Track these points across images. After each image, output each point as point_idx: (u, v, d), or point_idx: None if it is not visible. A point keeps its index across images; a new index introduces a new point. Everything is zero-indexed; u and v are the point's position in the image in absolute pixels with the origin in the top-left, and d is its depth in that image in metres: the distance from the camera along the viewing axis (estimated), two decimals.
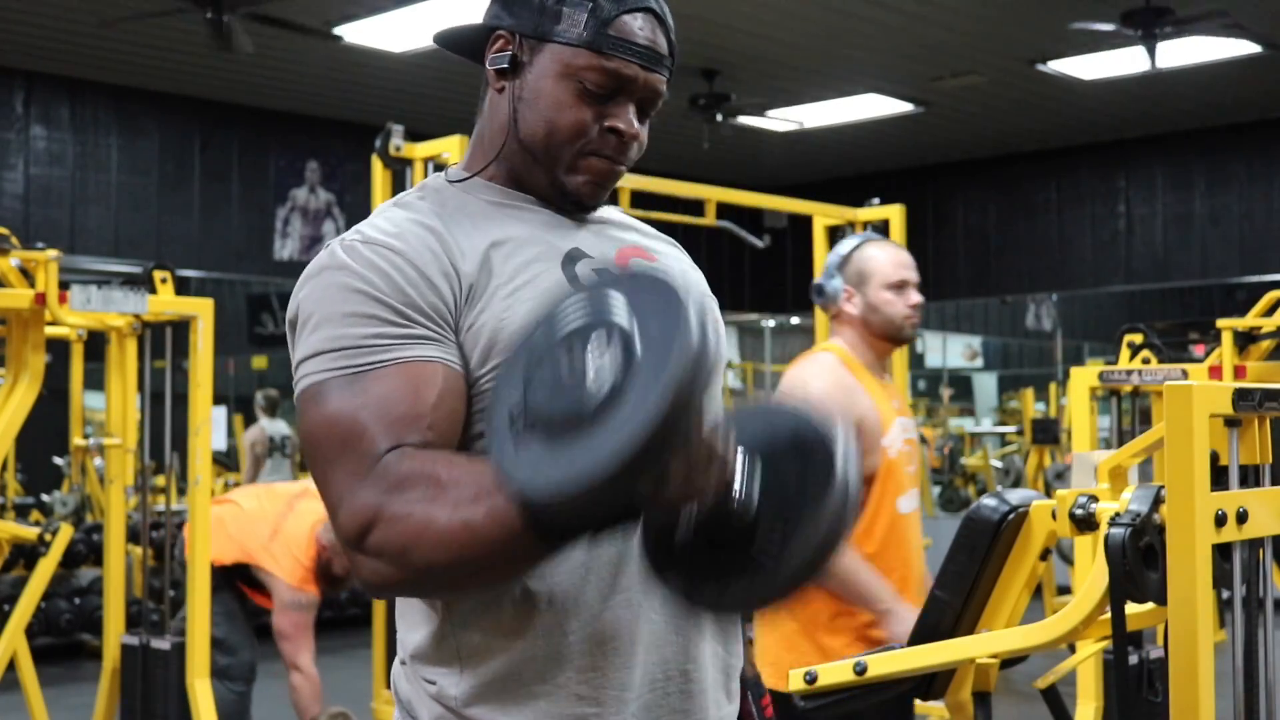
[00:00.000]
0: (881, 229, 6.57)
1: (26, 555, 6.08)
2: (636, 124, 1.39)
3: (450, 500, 1.17)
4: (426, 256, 1.31)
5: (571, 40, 1.35)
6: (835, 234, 6.63)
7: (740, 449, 1.20)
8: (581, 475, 1.07)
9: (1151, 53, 7.33)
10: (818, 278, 3.08)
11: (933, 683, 2.12)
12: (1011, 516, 1.98)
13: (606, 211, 1.52)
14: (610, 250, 1.43)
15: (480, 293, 1.32)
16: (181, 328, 4.46)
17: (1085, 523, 1.74)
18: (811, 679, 2.05)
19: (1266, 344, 4.24)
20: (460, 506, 1.17)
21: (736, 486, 1.19)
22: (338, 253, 1.32)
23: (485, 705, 1.34)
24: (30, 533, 4.55)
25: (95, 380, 7.30)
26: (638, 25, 1.37)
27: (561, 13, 1.36)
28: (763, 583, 1.21)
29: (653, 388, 1.06)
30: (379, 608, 4.78)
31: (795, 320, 12.73)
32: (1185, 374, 4.17)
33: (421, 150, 4.60)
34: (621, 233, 1.49)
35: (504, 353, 1.27)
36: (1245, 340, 4.24)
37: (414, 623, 1.40)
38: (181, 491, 5.37)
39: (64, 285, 4.04)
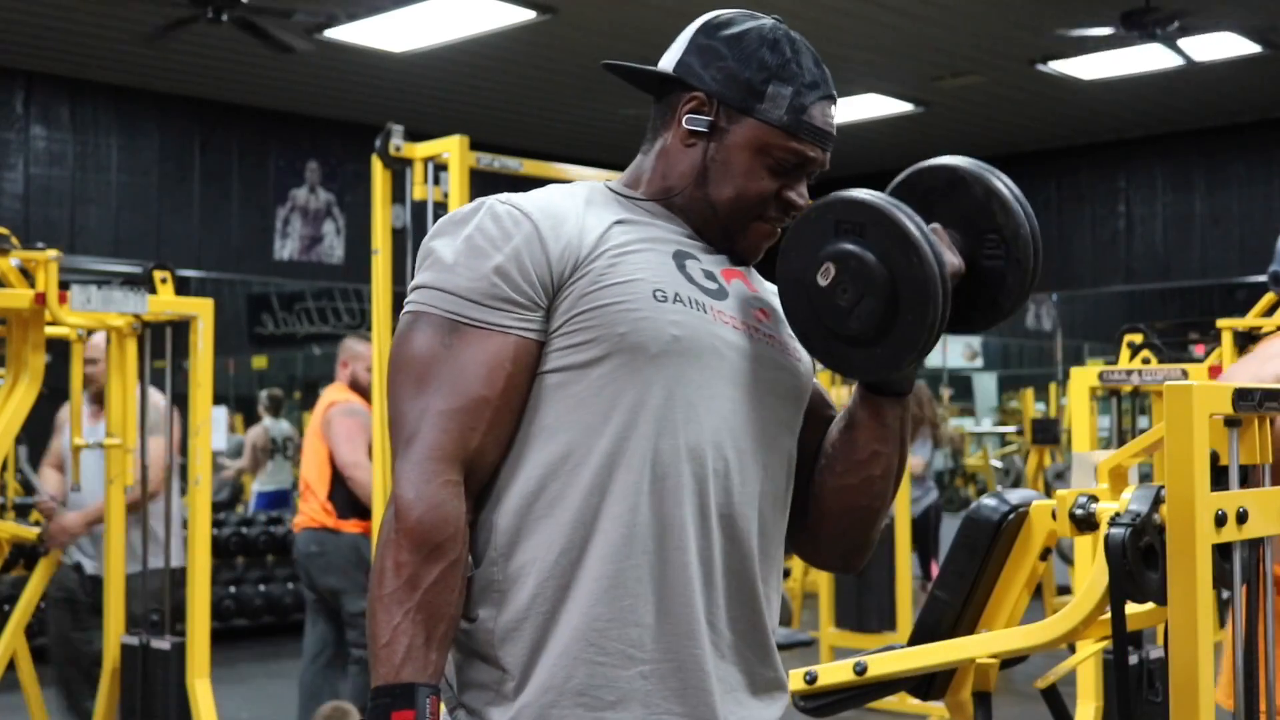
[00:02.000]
0: None
1: (26, 555, 6.07)
2: (806, 196, 1.54)
3: (405, 611, 1.32)
4: (555, 222, 1.43)
5: (772, 120, 1.48)
6: None
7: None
8: None
9: (1152, 49, 7.33)
10: (1274, 265, 2.80)
11: (933, 683, 2.12)
12: (1011, 516, 1.99)
13: None
14: (717, 267, 1.53)
15: (595, 254, 1.43)
16: (181, 328, 4.45)
17: (1085, 523, 1.74)
18: (811, 679, 2.06)
19: None
20: (395, 628, 1.31)
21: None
22: (479, 207, 1.46)
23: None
24: (30, 533, 4.55)
25: None
26: (824, 112, 1.52)
27: (766, 93, 1.49)
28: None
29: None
30: None
31: None
32: (1185, 374, 4.17)
33: (421, 150, 4.58)
34: (732, 261, 1.57)
35: (595, 299, 1.40)
36: (1245, 340, 4.23)
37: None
38: (182, 491, 5.36)
39: (64, 285, 4.03)
